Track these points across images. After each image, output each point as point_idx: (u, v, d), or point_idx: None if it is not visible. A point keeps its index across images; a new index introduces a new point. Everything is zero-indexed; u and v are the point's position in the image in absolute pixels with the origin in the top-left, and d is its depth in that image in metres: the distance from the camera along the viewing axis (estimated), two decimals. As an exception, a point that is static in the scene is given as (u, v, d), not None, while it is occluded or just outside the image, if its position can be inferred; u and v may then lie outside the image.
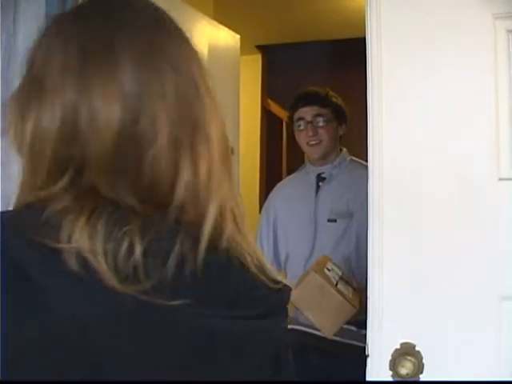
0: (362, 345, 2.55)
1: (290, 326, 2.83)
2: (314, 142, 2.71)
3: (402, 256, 1.63)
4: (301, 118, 2.73)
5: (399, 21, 1.64)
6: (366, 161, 1.76)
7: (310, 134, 2.70)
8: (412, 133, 1.62)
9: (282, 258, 2.81)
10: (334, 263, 2.50)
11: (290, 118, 2.81)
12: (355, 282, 2.47)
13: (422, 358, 1.60)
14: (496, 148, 1.56)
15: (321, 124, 2.71)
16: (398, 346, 1.62)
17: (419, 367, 1.60)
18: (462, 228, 1.58)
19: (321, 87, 2.83)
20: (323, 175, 2.78)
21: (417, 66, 1.62)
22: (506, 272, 1.54)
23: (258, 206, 2.91)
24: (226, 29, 2.60)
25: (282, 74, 4.35)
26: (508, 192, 1.56)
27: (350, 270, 2.59)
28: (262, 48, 4.57)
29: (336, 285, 2.33)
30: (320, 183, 2.78)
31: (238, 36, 2.67)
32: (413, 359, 1.60)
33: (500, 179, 1.56)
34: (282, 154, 4.14)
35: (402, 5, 1.64)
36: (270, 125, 4.60)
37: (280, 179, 3.06)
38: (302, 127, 2.72)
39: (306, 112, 2.72)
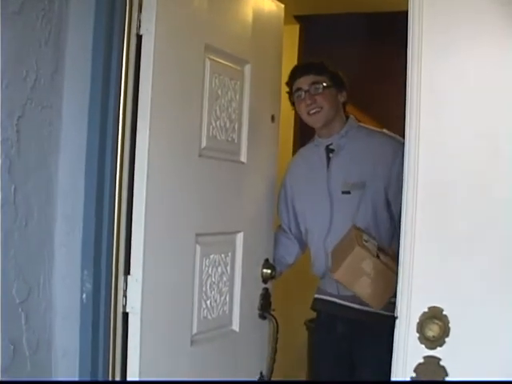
0: (388, 313, 2.67)
1: (318, 296, 2.93)
2: (314, 111, 2.68)
3: (432, 225, 1.69)
4: (298, 89, 2.72)
5: (440, 8, 1.69)
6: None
7: (309, 102, 2.68)
8: (450, 109, 1.68)
9: (303, 232, 2.85)
10: (367, 233, 2.53)
11: (290, 93, 2.79)
12: (390, 249, 2.49)
13: (448, 322, 1.67)
14: None
15: (318, 91, 2.68)
16: (426, 310, 1.70)
17: (445, 330, 1.67)
18: (492, 198, 1.64)
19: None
20: (331, 146, 2.77)
21: (457, 43, 1.67)
22: None
23: (281, 169, 2.92)
24: (273, 1, 2.66)
25: (318, 45, 4.37)
26: None
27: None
28: (299, 18, 4.59)
29: (378, 256, 2.36)
30: (330, 155, 2.77)
31: (282, 5, 2.72)
32: (439, 323, 1.67)
33: None
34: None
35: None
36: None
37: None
38: (301, 97, 2.70)
39: (303, 82, 2.71)
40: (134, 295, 1.97)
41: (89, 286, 1.93)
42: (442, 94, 1.69)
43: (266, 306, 2.59)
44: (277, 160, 2.73)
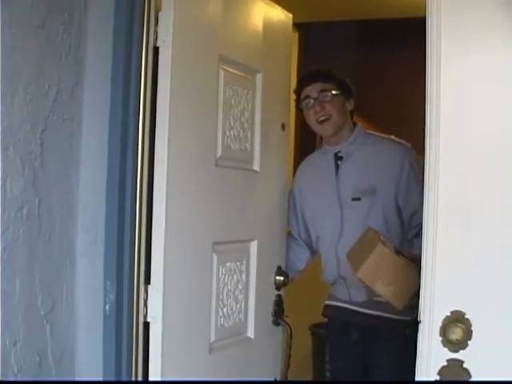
0: (402, 317, 2.70)
1: (329, 303, 2.95)
2: (322, 118, 2.69)
3: (454, 230, 1.71)
4: (307, 97, 2.72)
5: (458, 11, 1.70)
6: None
7: (318, 109, 2.68)
8: (469, 113, 1.70)
9: (314, 239, 2.86)
10: (383, 235, 2.53)
11: (297, 101, 2.79)
12: (405, 252, 2.52)
13: (470, 325, 1.69)
14: None
15: (327, 99, 2.69)
16: (449, 314, 1.72)
17: (468, 334, 1.69)
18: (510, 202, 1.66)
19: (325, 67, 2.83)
20: (340, 154, 2.77)
21: (472, 47, 1.69)
22: None
23: (291, 176, 2.95)
24: (280, 8, 2.68)
25: (317, 52, 4.40)
26: None
27: None
28: (298, 26, 4.63)
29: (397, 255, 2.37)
30: (339, 162, 2.77)
31: (290, 14, 2.75)
32: (462, 326, 1.69)
33: None
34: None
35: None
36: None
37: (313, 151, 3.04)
38: (309, 105, 2.71)
39: (311, 90, 2.71)
40: (155, 305, 1.99)
41: (112, 296, 1.94)
42: (461, 99, 1.70)
43: (279, 313, 2.60)
44: (287, 168, 2.76)
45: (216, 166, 2.23)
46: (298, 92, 2.79)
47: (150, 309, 1.99)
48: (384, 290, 2.36)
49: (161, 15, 2.03)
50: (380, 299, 2.66)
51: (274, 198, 2.63)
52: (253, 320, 2.46)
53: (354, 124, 2.82)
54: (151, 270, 2.00)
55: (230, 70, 2.32)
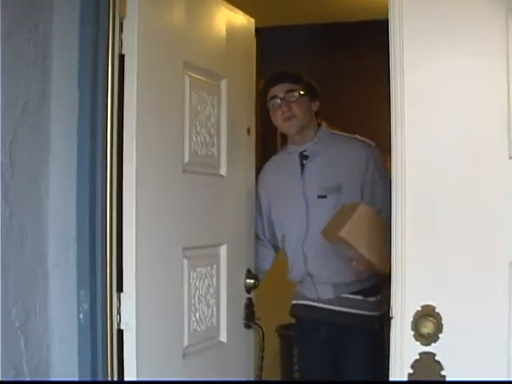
0: (370, 313, 2.79)
1: (296, 302, 3.04)
2: (288, 116, 2.75)
3: (422, 227, 1.76)
4: (274, 97, 2.78)
5: (420, 18, 1.76)
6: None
7: (285, 109, 2.75)
8: (431, 118, 1.76)
9: (279, 238, 2.91)
10: None
11: (264, 102, 2.84)
12: None
13: (441, 319, 1.74)
14: (507, 130, 1.70)
15: (294, 99, 2.76)
16: (420, 308, 1.75)
17: (439, 327, 1.73)
18: (476, 203, 1.73)
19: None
20: (305, 153, 2.83)
21: (435, 53, 1.74)
22: None
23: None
24: (242, 13, 2.71)
25: (274, 57, 4.45)
26: None
27: None
28: (258, 30, 4.66)
29: None
30: (304, 161, 2.83)
31: (252, 19, 2.79)
32: (433, 320, 1.73)
33: (511, 157, 1.70)
34: (276, 134, 4.24)
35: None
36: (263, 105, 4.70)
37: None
38: (276, 104, 2.77)
39: (278, 90, 2.78)
40: (128, 312, 1.99)
41: (85, 305, 1.94)
42: (425, 103, 1.75)
43: (250, 316, 2.62)
44: (254, 172, 2.78)
45: (184, 171, 2.24)
46: (264, 92, 2.83)
47: (123, 316, 1.99)
48: (367, 251, 2.34)
49: (125, 22, 2.04)
50: (347, 296, 2.77)
51: (241, 201, 2.65)
52: (225, 324, 2.47)
53: (319, 124, 2.87)
54: (123, 278, 2.00)
55: (195, 75, 2.34)
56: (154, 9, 2.13)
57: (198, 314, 2.30)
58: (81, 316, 1.94)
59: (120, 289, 2.01)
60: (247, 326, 2.61)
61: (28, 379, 1.83)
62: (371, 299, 2.81)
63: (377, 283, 2.81)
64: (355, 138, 2.86)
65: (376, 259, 2.35)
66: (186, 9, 2.30)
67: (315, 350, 2.87)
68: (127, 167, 2.01)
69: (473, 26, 1.72)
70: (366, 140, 2.83)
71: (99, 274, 1.95)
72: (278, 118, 2.79)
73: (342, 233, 2.34)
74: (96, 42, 2.00)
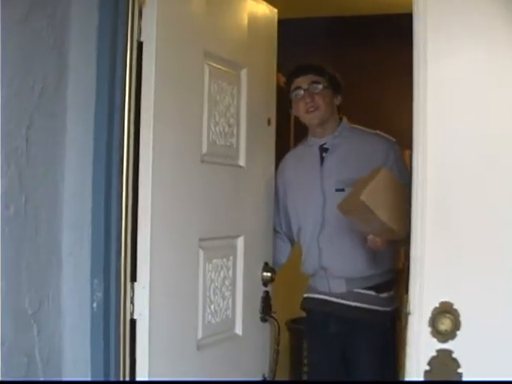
0: (382, 308, 2.78)
1: (308, 295, 3.04)
2: (312, 109, 2.75)
3: (441, 223, 1.74)
4: (297, 88, 2.78)
5: (443, 11, 1.73)
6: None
7: (308, 100, 2.75)
8: (450, 112, 1.73)
9: (295, 231, 2.89)
10: None
11: (287, 93, 2.84)
12: None
13: (459, 316, 1.72)
14: None
15: (317, 91, 2.76)
16: (437, 305, 1.74)
17: (456, 324, 1.72)
18: (494, 199, 1.71)
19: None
20: (325, 146, 2.84)
21: (457, 48, 1.72)
22: None
23: None
24: (265, 3, 2.69)
25: (292, 50, 4.44)
26: None
27: (363, 237, 2.63)
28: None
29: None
30: (324, 154, 2.83)
31: (275, 9, 2.76)
32: (451, 316, 1.72)
33: None
34: (290, 126, 4.21)
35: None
36: (281, 98, 4.67)
37: (288, 150, 3.11)
38: (299, 95, 2.77)
39: (302, 81, 2.78)
40: (142, 302, 1.98)
41: (99, 294, 1.93)
42: (446, 98, 1.73)
43: (266, 309, 2.61)
44: (274, 163, 2.76)
45: (202, 162, 2.23)
46: (288, 83, 2.83)
47: (136, 306, 1.98)
48: (387, 215, 2.30)
49: (144, 10, 2.02)
50: (360, 290, 2.76)
51: (260, 193, 2.63)
52: (240, 317, 2.46)
53: (340, 119, 2.87)
54: (137, 267, 1.99)
55: (215, 65, 2.32)
56: (176, -3, 2.12)
57: (213, 306, 2.29)
58: (94, 305, 1.93)
59: (134, 278, 2.00)
60: (263, 320, 2.60)
61: (39, 367, 1.83)
62: (384, 295, 2.79)
63: (391, 279, 2.82)
64: (376, 134, 2.85)
65: (394, 224, 2.29)
66: (207, -3, 2.29)
67: (325, 344, 2.85)
68: (144, 155, 2.00)
69: (495, 22, 1.68)
70: (386, 135, 2.81)
71: (113, 262, 1.94)
72: (300, 109, 2.80)
73: (363, 196, 2.30)
74: (115, 28, 1.98)
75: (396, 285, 2.85)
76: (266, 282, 2.62)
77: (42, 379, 1.85)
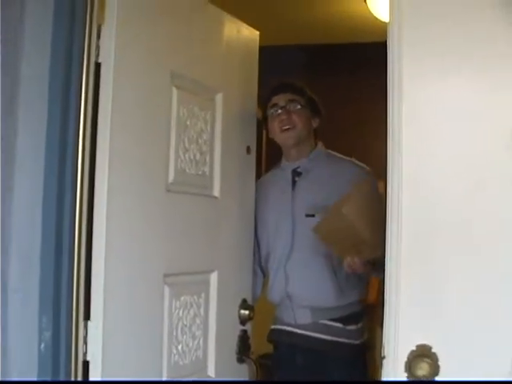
0: (349, 341, 2.70)
1: (275, 327, 2.97)
2: (287, 126, 2.70)
3: (418, 258, 1.66)
4: (275, 105, 2.74)
5: (420, 29, 1.68)
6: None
7: (284, 117, 2.70)
8: (432, 139, 1.67)
9: (263, 256, 2.81)
10: None
11: (264, 111, 2.80)
12: None
13: (437, 360, 1.63)
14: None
15: (294, 109, 2.72)
16: (414, 348, 1.64)
17: (435, 369, 1.63)
18: (479, 234, 1.62)
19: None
20: (299, 170, 2.79)
21: (438, 75, 1.67)
22: None
23: None
24: (245, 24, 2.59)
25: (264, 78, 4.39)
26: None
27: (331, 266, 2.64)
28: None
29: None
30: (296, 178, 2.79)
31: (257, 32, 2.67)
32: (429, 361, 1.62)
33: None
34: (262, 154, 4.11)
35: (423, 15, 1.68)
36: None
37: (259, 176, 3.01)
38: (275, 113, 2.73)
39: (280, 98, 2.74)
40: (95, 342, 1.84)
41: (47, 334, 1.79)
42: (424, 126, 1.67)
43: (244, 349, 2.46)
44: (254, 194, 2.64)
45: (167, 191, 2.10)
46: (266, 101, 2.79)
47: (89, 347, 1.85)
48: (369, 229, 2.28)
49: (103, 29, 1.92)
50: (326, 322, 2.70)
51: (237, 225, 2.50)
52: (213, 357, 2.31)
53: (316, 144, 2.84)
54: (90, 305, 1.86)
55: (185, 88, 2.21)
56: (137, 15, 2.02)
57: (180, 347, 2.15)
58: (42, 346, 1.79)
59: (88, 316, 1.86)
60: (240, 361, 2.45)
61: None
62: (351, 327, 2.73)
63: (359, 311, 2.76)
64: (351, 161, 2.82)
65: (374, 237, 2.21)
66: (177, 16, 2.19)
67: (292, 378, 2.76)
68: (98, 185, 1.88)
69: (476, 42, 1.63)
70: (362, 164, 2.79)
71: (64, 298, 1.81)
72: (275, 127, 2.74)
73: (345, 210, 2.28)
74: (70, 48, 1.88)
75: (365, 317, 2.80)
76: (243, 321, 2.48)
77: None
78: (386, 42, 1.73)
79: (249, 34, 2.63)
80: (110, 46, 1.91)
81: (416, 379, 1.63)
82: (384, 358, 1.70)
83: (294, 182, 2.78)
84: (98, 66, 1.92)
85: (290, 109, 2.71)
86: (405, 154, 1.67)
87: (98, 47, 1.92)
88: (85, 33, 1.90)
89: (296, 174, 2.79)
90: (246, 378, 2.49)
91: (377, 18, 4.12)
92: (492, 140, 1.62)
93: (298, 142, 2.74)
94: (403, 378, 1.64)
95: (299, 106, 2.72)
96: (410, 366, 1.64)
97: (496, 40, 1.62)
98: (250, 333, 2.51)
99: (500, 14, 1.62)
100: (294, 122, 2.70)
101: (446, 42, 1.65)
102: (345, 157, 2.86)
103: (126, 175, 1.95)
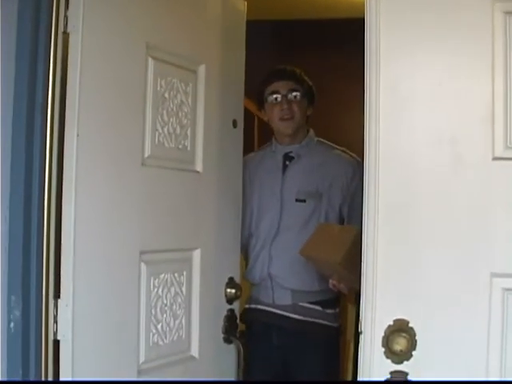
0: (328, 323, 2.79)
1: (252, 306, 3.02)
2: (287, 116, 2.79)
3: (394, 235, 1.66)
4: (275, 92, 2.81)
5: (399, 2, 1.67)
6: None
7: (285, 106, 2.79)
8: (410, 112, 1.66)
9: (245, 235, 2.81)
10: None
11: (261, 93, 2.87)
12: None
13: (415, 335, 1.62)
14: (490, 128, 1.59)
15: (295, 99, 2.81)
16: (391, 323, 1.64)
17: (412, 344, 1.62)
18: (456, 209, 1.62)
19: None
20: (291, 154, 2.86)
21: (414, 46, 1.65)
22: (498, 250, 1.58)
23: None
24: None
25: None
26: (501, 171, 1.59)
27: None
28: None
29: None
30: (287, 162, 2.86)
31: (244, 1, 2.64)
32: (406, 336, 1.62)
33: (494, 159, 1.59)
34: (253, 148, 4.10)
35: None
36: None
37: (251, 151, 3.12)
38: (277, 100, 2.80)
39: (282, 86, 2.82)
40: (65, 321, 1.83)
41: (17, 313, 1.79)
42: (401, 99, 1.66)
43: (231, 329, 2.45)
44: (241, 168, 2.61)
45: (143, 165, 2.08)
46: (265, 83, 2.86)
47: (59, 326, 1.84)
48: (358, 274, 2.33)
49: (71, -2, 1.90)
50: (305, 304, 2.79)
51: (223, 201, 2.47)
52: (197, 337, 2.30)
53: (308, 130, 2.93)
54: (60, 283, 1.85)
55: (163, 59, 2.18)
56: (108, -18, 1.99)
57: (160, 326, 2.14)
58: (11, 325, 1.79)
59: (58, 295, 1.85)
60: (227, 341, 2.44)
61: None
62: (330, 311, 2.82)
63: (335, 297, 2.83)
64: (344, 151, 2.90)
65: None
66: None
67: (265, 356, 2.82)
68: (67, 159, 1.86)
69: (456, 20, 1.63)
70: (354, 155, 2.84)
71: (33, 276, 1.80)
72: (275, 115, 2.84)
73: (340, 260, 2.38)
74: (37, 18, 1.85)
75: (339, 303, 2.90)
76: (230, 300, 2.47)
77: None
78: (363, 17, 1.72)
79: (235, 4, 2.60)
80: (78, 15, 1.89)
81: (393, 354, 1.63)
82: (361, 333, 1.69)
83: (284, 166, 2.85)
84: (67, 36, 1.90)
85: (291, 99, 2.80)
86: (382, 127, 1.67)
87: (66, 17, 1.90)
88: (52, 2, 1.87)
89: (288, 158, 2.87)
90: (233, 359, 2.48)
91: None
92: (468, 113, 1.61)
93: (295, 132, 2.83)
94: (380, 353, 1.64)
95: (299, 96, 2.81)
96: (387, 340, 1.64)
97: (475, 11, 1.61)
98: (237, 312, 2.50)
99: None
100: (293, 112, 2.80)
101: (423, 14, 1.64)
102: (336, 146, 2.93)
103: (97, 149, 1.93)
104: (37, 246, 1.82)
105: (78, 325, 1.85)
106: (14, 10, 1.85)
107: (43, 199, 1.83)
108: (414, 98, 1.65)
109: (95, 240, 1.92)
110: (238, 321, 2.50)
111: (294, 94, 2.81)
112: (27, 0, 1.85)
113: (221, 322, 2.43)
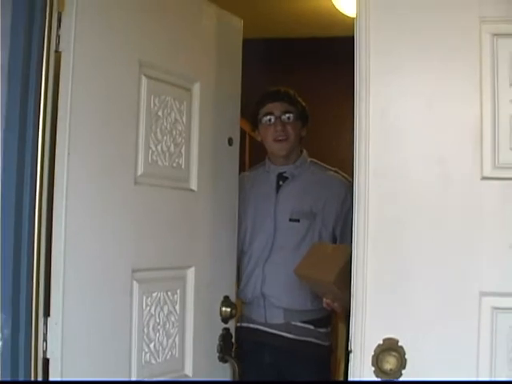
0: (320, 342, 2.82)
1: (243, 324, 3.03)
2: (281, 138, 2.83)
3: (385, 254, 1.68)
4: (269, 113, 2.85)
5: (387, 25, 1.71)
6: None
7: (279, 128, 2.82)
8: (399, 133, 1.69)
9: (237, 252, 2.76)
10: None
11: (255, 114, 2.90)
12: None
13: (404, 354, 1.64)
14: (479, 148, 1.62)
15: (289, 121, 2.84)
16: (381, 342, 1.65)
17: (402, 362, 1.64)
18: (445, 227, 1.64)
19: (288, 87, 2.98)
20: (285, 174, 2.90)
21: (404, 68, 1.69)
22: (486, 269, 1.60)
23: None
24: (228, 13, 2.59)
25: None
26: (490, 191, 1.62)
27: None
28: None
29: None
30: (281, 182, 2.90)
31: (240, 19, 2.67)
32: (396, 354, 1.64)
33: (483, 178, 1.62)
34: (245, 166, 4.12)
35: (390, 10, 1.70)
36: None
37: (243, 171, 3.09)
38: (271, 121, 2.84)
39: (276, 107, 2.86)
40: (55, 339, 1.84)
41: (6, 331, 1.80)
42: (392, 117, 1.69)
43: (226, 348, 2.45)
44: (237, 186, 2.63)
45: (136, 183, 2.10)
46: (259, 106, 2.90)
47: (49, 344, 1.85)
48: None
49: (63, 15, 1.92)
50: (298, 323, 2.81)
51: (218, 219, 2.48)
52: (191, 356, 2.30)
53: (301, 151, 2.97)
54: (50, 301, 1.86)
55: (156, 77, 2.20)
56: (100, 1, 2.01)
57: (152, 345, 2.14)
58: (0, 343, 1.80)
59: (48, 313, 1.86)
60: (222, 360, 2.44)
61: None
62: (321, 330, 2.84)
63: (327, 316, 2.86)
64: (336, 172, 2.94)
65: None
66: (147, 2, 2.18)
67: (259, 374, 2.81)
68: (58, 179, 1.87)
69: (444, 43, 1.67)
70: (346, 176, 2.86)
71: (23, 295, 1.81)
72: (269, 136, 2.87)
73: (334, 279, 2.38)
74: (30, 38, 1.88)
75: (331, 321, 2.92)
76: (225, 318, 2.47)
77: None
78: (353, 36, 1.75)
79: (231, 22, 2.63)
80: (70, 34, 1.91)
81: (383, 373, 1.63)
82: (351, 352, 1.69)
83: (278, 186, 2.89)
84: (59, 55, 1.92)
85: (285, 120, 2.84)
86: (371, 144, 1.69)
87: (58, 36, 1.92)
88: (45, 21, 1.90)
89: (281, 178, 2.91)
90: (228, 377, 2.48)
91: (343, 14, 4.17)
92: (456, 134, 1.64)
93: (289, 153, 2.87)
94: (370, 372, 1.64)
95: (293, 118, 2.86)
96: (376, 359, 1.65)
97: (463, 34, 1.65)
98: (232, 331, 2.50)
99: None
100: (287, 134, 2.84)
101: (411, 36, 1.68)
102: (329, 166, 2.97)
103: (88, 167, 1.95)
104: (27, 264, 1.83)
105: (67, 343, 1.85)
106: (7, 29, 1.87)
107: (34, 217, 1.84)
108: (404, 120, 1.68)
109: (86, 258, 1.93)
110: (233, 340, 2.50)
111: (288, 115, 2.86)
112: (20, 19, 1.87)
113: (216, 341, 2.44)
